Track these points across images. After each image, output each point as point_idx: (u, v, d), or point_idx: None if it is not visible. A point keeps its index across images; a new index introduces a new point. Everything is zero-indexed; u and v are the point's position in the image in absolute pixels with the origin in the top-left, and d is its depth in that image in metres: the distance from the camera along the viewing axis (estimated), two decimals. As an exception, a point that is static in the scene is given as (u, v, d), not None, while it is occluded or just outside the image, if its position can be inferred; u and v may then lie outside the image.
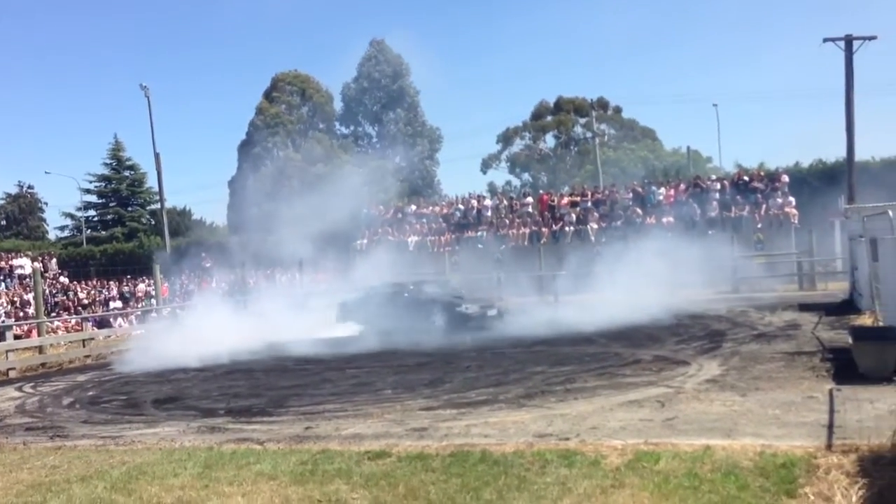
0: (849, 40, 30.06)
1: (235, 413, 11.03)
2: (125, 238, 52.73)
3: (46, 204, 69.84)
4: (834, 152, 35.17)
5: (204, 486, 7.13)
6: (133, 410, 12.08)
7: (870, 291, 15.34)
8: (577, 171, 55.86)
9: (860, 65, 31.14)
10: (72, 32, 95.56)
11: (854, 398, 8.53)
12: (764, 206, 29.27)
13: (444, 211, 36.10)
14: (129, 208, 59.28)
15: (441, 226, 34.85)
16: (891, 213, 11.55)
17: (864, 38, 30.05)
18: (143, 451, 8.84)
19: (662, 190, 32.40)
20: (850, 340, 10.60)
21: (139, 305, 31.34)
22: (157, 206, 50.24)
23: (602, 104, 59.15)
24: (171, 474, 7.57)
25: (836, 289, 22.56)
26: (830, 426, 7.43)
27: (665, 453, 6.91)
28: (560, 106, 62.00)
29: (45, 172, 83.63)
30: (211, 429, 9.94)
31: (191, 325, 20.80)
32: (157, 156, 43.43)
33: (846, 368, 10.14)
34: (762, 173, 32.26)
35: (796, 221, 28.21)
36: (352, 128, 63.48)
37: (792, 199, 29.16)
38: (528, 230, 32.46)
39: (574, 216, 32.48)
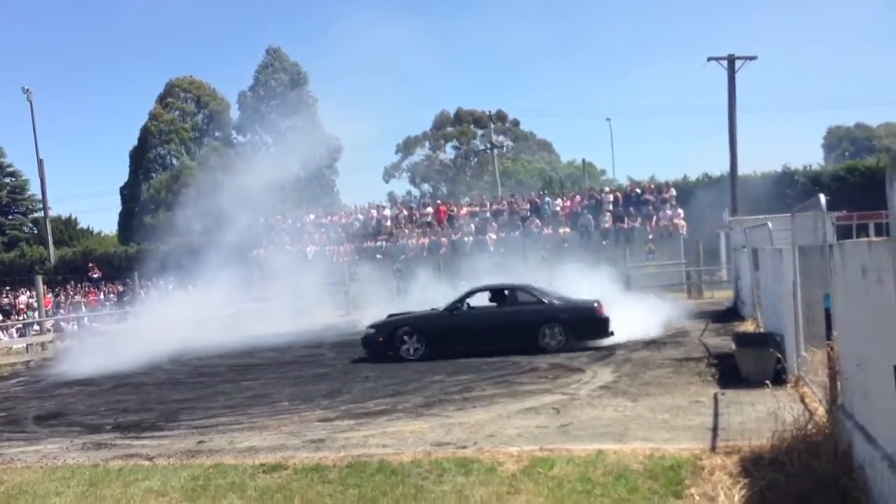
0: (731, 59, 31.51)
1: (123, 428, 10.59)
2: (5, 248, 50.15)
3: (-82, 211, 65.66)
4: (719, 166, 36.84)
5: (88, 505, 6.84)
6: (13, 427, 11.44)
7: (752, 299, 16.10)
8: (476, 181, 56.53)
9: (742, 83, 32.74)
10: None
11: (737, 401, 8.93)
12: (654, 218, 30.35)
13: (344, 220, 35.88)
14: (10, 216, 56.45)
15: (340, 235, 34.61)
16: (770, 224, 12.15)
17: (746, 58, 31.56)
18: (24, 469, 8.39)
19: (559, 201, 33.17)
20: (733, 346, 11.09)
21: (20, 318, 29.78)
22: (41, 213, 48.10)
23: (500, 116, 60.14)
24: (53, 493, 7.23)
25: (721, 297, 23.58)
26: (715, 429, 7.76)
27: (559, 459, 7.06)
28: (460, 117, 62.72)
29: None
30: (97, 445, 9.52)
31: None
32: (40, 162, 41.73)
33: (730, 373, 10.61)
34: (652, 186, 33.48)
35: (685, 232, 29.38)
36: (249, 136, 62.34)
37: (680, 210, 30.37)
38: (427, 240, 32.61)
39: (473, 226, 32.85)
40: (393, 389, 11.79)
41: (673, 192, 31.67)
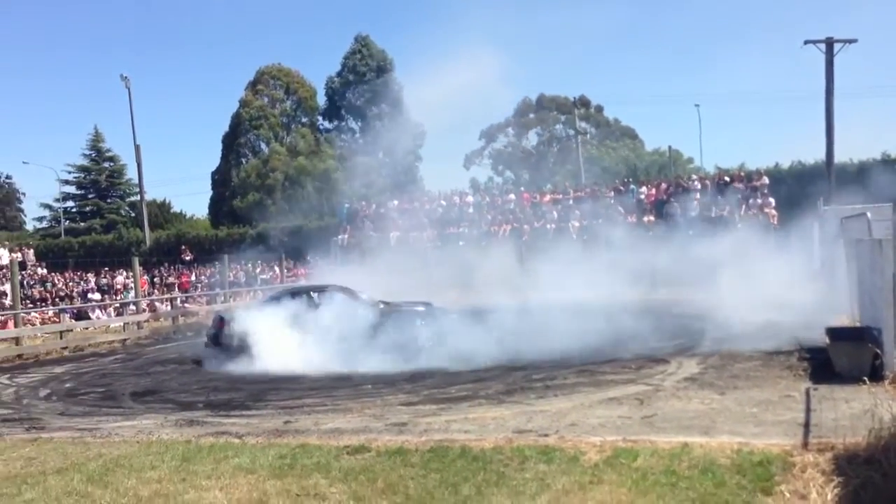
0: (829, 43, 30.33)
1: (214, 406, 10.97)
2: (104, 230, 52.29)
3: (24, 194, 69.28)
4: (812, 154, 35.56)
5: (181, 479, 7.09)
6: (111, 403, 11.98)
7: (847, 292, 15.50)
8: (559, 168, 56.02)
9: (840, 67, 31.47)
10: (53, 21, 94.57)
11: (830, 397, 8.62)
12: (744, 207, 29.48)
13: (427, 206, 36.06)
14: (108, 200, 58.81)
15: (423, 222, 34.80)
16: (869, 214, 11.66)
17: (845, 41, 30.34)
18: (120, 443, 8.77)
19: (644, 189, 32.58)
20: (827, 340, 10.71)
21: (117, 298, 31.05)
22: (137, 197, 49.94)
23: (584, 102, 59.37)
24: (148, 467, 7.52)
25: (814, 289, 22.73)
26: (807, 425, 7.51)
27: (643, 450, 6.96)
28: (543, 104, 62.15)
29: (23, 163, 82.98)
30: (189, 422, 9.88)
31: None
32: (137, 147, 43.19)
33: (823, 368, 10.25)
34: (742, 174, 32.52)
35: (776, 222, 28.44)
36: (335, 122, 63.19)
37: (772, 199, 29.40)
38: (509, 227, 32.50)
39: (556, 214, 32.58)
40: (475, 376, 11.83)
41: (765, 179, 30.65)
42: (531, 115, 63.63)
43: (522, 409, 9.17)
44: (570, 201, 33.22)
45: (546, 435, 7.83)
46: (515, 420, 8.62)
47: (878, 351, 9.29)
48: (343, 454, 7.58)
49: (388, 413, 9.50)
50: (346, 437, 8.35)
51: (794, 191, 29.51)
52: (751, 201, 29.59)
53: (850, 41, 30.28)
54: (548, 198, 34.17)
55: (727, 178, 31.64)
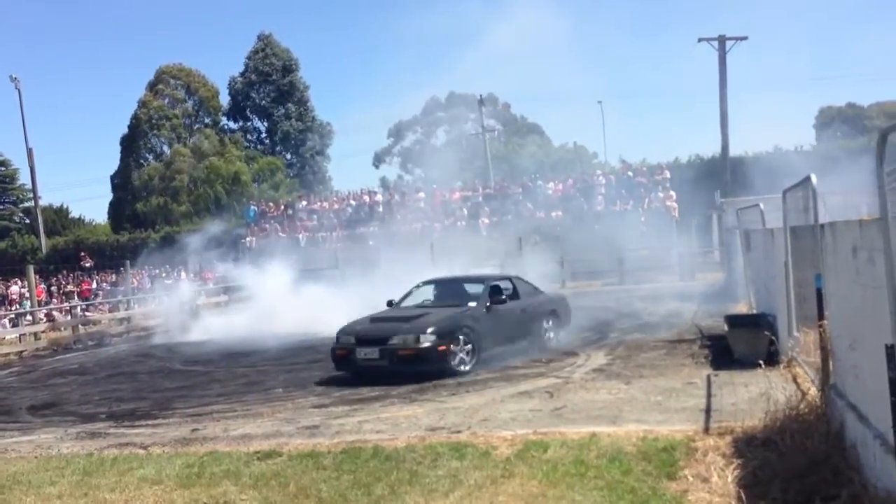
0: (722, 40, 31.55)
1: (118, 417, 10.60)
2: (-4, 237, 49.97)
3: None
4: (711, 148, 36.88)
5: (83, 493, 6.82)
6: (6, 417, 11.41)
7: (744, 280, 16.14)
8: (468, 166, 56.45)
9: (733, 64, 32.78)
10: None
11: (730, 383, 8.97)
12: (647, 200, 30.34)
13: (336, 206, 35.81)
14: (1, 206, 56.22)
15: (332, 222, 34.55)
16: (762, 206, 12.15)
17: (737, 38, 31.61)
18: (17, 459, 8.37)
19: (551, 185, 33.15)
20: (725, 328, 11.13)
21: (12, 308, 29.67)
22: (31, 203, 47.88)
23: (491, 100, 59.93)
24: (47, 483, 7.20)
25: (714, 279, 23.62)
26: (708, 410, 7.79)
27: (553, 442, 7.07)
28: (451, 101, 62.45)
29: None
30: (91, 434, 9.51)
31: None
32: (29, 151, 41.50)
33: (723, 355, 10.65)
34: (645, 168, 33.47)
35: (677, 214, 29.38)
36: (241, 122, 62.04)
37: (673, 192, 30.35)
38: (419, 225, 32.56)
39: (465, 211, 32.82)
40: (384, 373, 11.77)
41: (667, 174, 31.64)
42: (440, 113, 63.85)
43: (435, 407, 9.20)
44: (480, 198, 33.53)
45: (458, 431, 7.88)
46: (428, 418, 8.64)
47: (773, 337, 9.70)
48: (253, 460, 7.43)
49: (300, 416, 9.38)
50: (256, 442, 8.20)
51: (693, 184, 30.60)
52: (653, 195, 30.48)
53: (741, 38, 31.56)
54: (457, 195, 34.38)
55: (630, 173, 32.53)
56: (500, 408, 8.85)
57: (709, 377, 9.42)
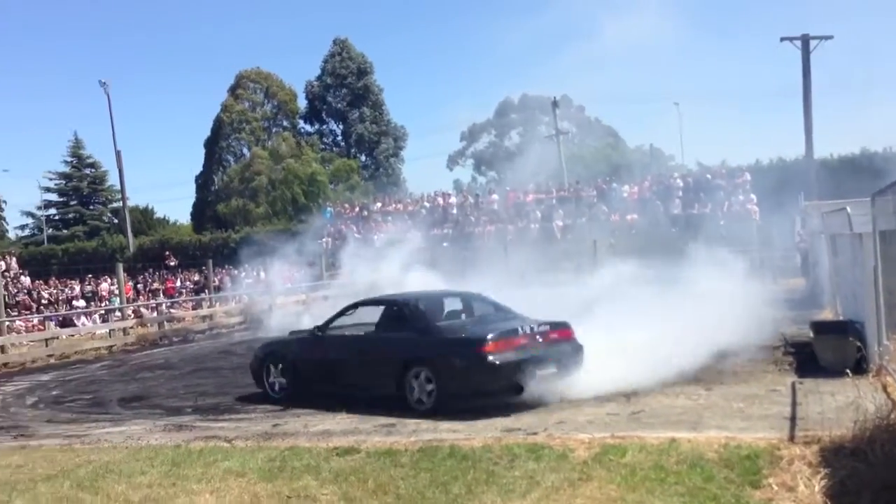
0: (805, 39, 30.65)
1: (202, 411, 10.94)
2: (87, 237, 51.95)
3: (5, 202, 68.23)
4: (794, 150, 35.80)
5: (171, 483, 7.08)
6: (99, 409, 11.91)
7: (830, 286, 15.66)
8: (541, 168, 56.19)
9: (817, 64, 31.82)
10: (30, 27, 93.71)
11: (815, 391, 8.72)
12: (726, 203, 29.68)
13: (410, 208, 36.09)
14: (91, 206, 58.41)
15: (407, 223, 34.83)
16: (849, 209, 11.78)
17: (821, 38, 30.67)
18: (109, 449, 8.72)
19: (626, 187, 32.74)
20: (811, 334, 10.82)
21: (102, 304, 30.83)
22: (119, 204, 49.63)
23: (566, 102, 59.54)
24: (138, 472, 7.50)
25: (795, 284, 22.94)
26: (793, 418, 7.59)
27: (632, 446, 7.01)
28: (525, 104, 62.29)
29: (3, 171, 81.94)
30: (178, 427, 9.84)
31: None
32: (118, 153, 43.04)
33: (808, 362, 10.36)
34: (724, 171, 32.74)
35: (757, 218, 28.65)
36: (316, 125, 63.16)
37: (753, 195, 29.61)
38: (493, 227, 32.55)
39: (539, 213, 32.68)
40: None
41: (747, 176, 30.86)
42: (513, 115, 63.77)
43: (511, 410, 9.19)
44: (554, 200, 33.35)
45: (535, 433, 7.87)
46: (504, 419, 8.65)
47: (861, 344, 9.40)
48: (333, 456, 7.58)
49: (377, 414, 9.49)
50: (335, 438, 8.35)
51: (775, 186, 29.79)
52: (733, 198, 29.80)
53: (826, 37, 30.61)
54: (531, 197, 34.26)
55: (709, 175, 31.87)
56: (576, 411, 8.80)
57: (793, 384, 9.18)
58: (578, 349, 9.82)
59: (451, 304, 10.91)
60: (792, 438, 6.86)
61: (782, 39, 30.98)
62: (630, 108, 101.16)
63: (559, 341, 9.79)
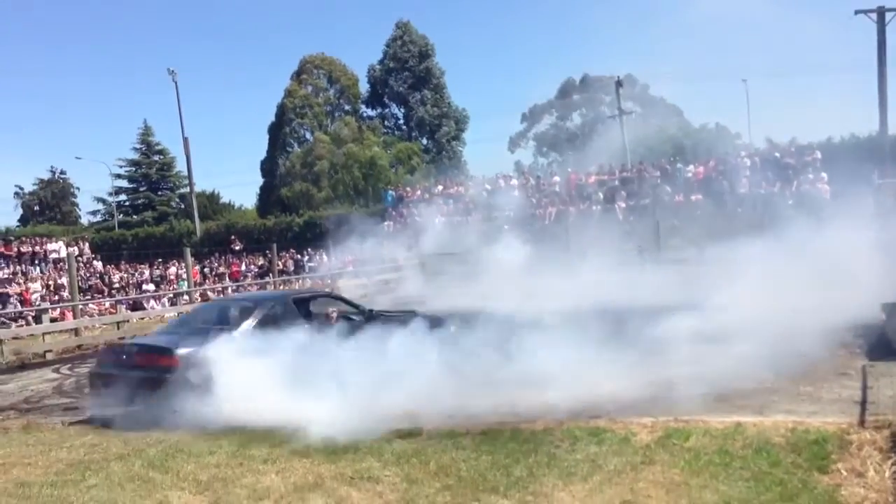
0: (881, 12, 29.52)
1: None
2: (155, 222, 53.30)
3: (78, 189, 70.56)
4: (867, 127, 34.56)
5: (239, 463, 7.26)
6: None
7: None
8: (604, 149, 55.48)
9: (893, 36, 30.62)
10: (100, 17, 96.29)
11: (887, 374, 8.45)
12: (795, 182, 28.85)
13: (472, 191, 36.03)
14: (160, 192, 59.87)
15: (468, 206, 34.79)
16: (925, 187, 11.36)
17: (897, 9, 29.52)
18: (178, 430, 8.97)
19: (691, 167, 32.09)
20: (882, 317, 10.49)
21: (171, 288, 31.69)
22: (187, 189, 50.73)
23: (629, 81, 58.57)
24: (206, 452, 7.70)
25: (868, 264, 22.20)
26: (863, 402, 7.38)
27: (695, 430, 6.92)
28: (586, 83, 61.54)
29: (77, 158, 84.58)
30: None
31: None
32: (185, 140, 43.85)
33: (879, 345, 10.06)
34: (793, 149, 31.80)
35: (829, 197, 27.77)
36: (378, 109, 63.51)
37: (824, 174, 28.69)
38: (555, 209, 32.29)
39: (601, 195, 32.28)
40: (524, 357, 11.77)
41: (818, 154, 29.90)
42: (575, 96, 63.05)
43: (572, 392, 9.14)
44: (616, 182, 32.90)
45: (597, 416, 7.82)
46: (565, 402, 8.60)
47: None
48: (395, 438, 7.66)
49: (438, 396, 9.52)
50: (395, 420, 8.43)
51: (847, 165, 28.86)
52: (802, 177, 28.95)
53: (903, 9, 29.44)
54: (593, 179, 33.86)
55: (777, 154, 31.00)
56: (640, 393, 8.68)
57: (864, 368, 8.90)
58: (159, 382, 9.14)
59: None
60: (862, 423, 6.68)
61: (857, 12, 29.91)
62: (696, 87, 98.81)
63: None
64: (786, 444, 6.34)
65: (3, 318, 24.76)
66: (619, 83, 47.13)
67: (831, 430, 6.56)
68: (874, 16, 29.62)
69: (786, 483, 5.56)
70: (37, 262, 36.63)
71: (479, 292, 18.02)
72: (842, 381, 8.51)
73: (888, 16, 29.45)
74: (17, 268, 34.92)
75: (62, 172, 69.98)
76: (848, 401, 7.56)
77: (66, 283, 29.51)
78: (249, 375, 8.69)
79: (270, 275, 29.04)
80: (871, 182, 26.65)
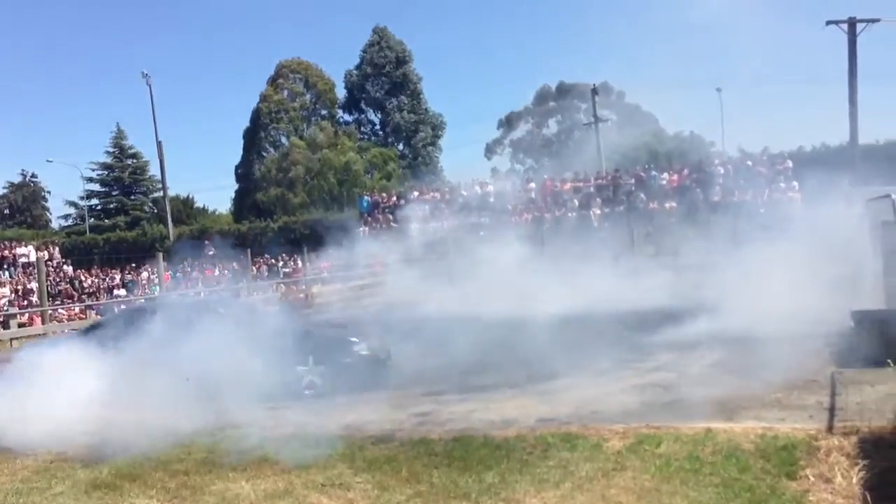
0: (852, 23, 29.99)
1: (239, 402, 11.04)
2: (128, 226, 52.79)
3: (49, 193, 69.82)
4: (838, 136, 35.10)
5: (208, 471, 7.18)
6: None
7: (872, 275, 15.31)
8: (579, 156, 55.78)
9: (863, 48, 31.10)
10: (72, 19, 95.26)
11: (856, 381, 8.52)
12: (767, 191, 29.19)
13: (448, 197, 36.05)
14: (132, 196, 59.34)
15: (444, 212, 34.80)
16: (893, 196, 11.51)
17: (867, 21, 29.98)
18: (147, 437, 8.86)
19: (665, 175, 32.37)
20: (852, 324, 10.61)
21: (143, 293, 31.38)
22: (160, 194, 50.33)
23: (605, 89, 58.97)
24: (175, 460, 7.62)
25: (837, 272, 22.45)
26: (832, 409, 7.44)
27: (666, 436, 6.95)
28: (562, 91, 61.88)
29: (48, 161, 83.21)
30: (213, 415, 9.94)
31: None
32: (159, 144, 43.50)
33: (848, 352, 10.14)
34: (765, 157, 32.18)
35: (800, 205, 28.10)
36: (355, 115, 63.44)
37: (795, 182, 29.06)
38: (530, 216, 32.41)
39: (577, 202, 32.45)
40: (496, 364, 11.79)
41: (789, 163, 30.30)
42: (551, 103, 63.37)
43: (545, 398, 9.17)
44: (592, 188, 33.10)
45: (569, 423, 7.83)
46: (538, 408, 8.62)
47: (903, 334, 9.18)
48: (367, 444, 7.63)
49: (411, 403, 9.53)
50: (368, 427, 8.40)
51: (818, 173, 29.21)
52: (774, 185, 29.31)
53: (873, 20, 29.92)
54: (568, 185, 34.03)
55: (750, 162, 31.36)
56: (611, 400, 8.74)
57: (833, 374, 8.98)
58: None
59: None
60: (830, 429, 6.74)
61: (828, 23, 30.36)
62: (670, 95, 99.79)
63: None
64: (755, 450, 6.39)
65: (-30, 323, 24.36)
66: (594, 91, 47.49)
67: (800, 436, 6.61)
68: (845, 27, 30.08)
69: (755, 489, 5.60)
70: (5, 266, 36.13)
71: (454, 296, 18.10)
72: (811, 387, 8.58)
73: (859, 27, 29.92)
74: (-14, 272, 34.43)
75: (33, 176, 69.19)
76: (817, 407, 7.63)
77: (34, 289, 29.10)
78: None
79: (244, 280, 28.87)
80: (845, 190, 26.97)
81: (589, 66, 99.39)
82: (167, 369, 9.37)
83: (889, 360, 8.41)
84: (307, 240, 29.87)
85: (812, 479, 5.66)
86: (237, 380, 9.22)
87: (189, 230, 45.02)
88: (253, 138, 59.39)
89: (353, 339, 11.29)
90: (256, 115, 59.26)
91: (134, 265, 37.29)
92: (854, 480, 5.51)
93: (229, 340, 9.74)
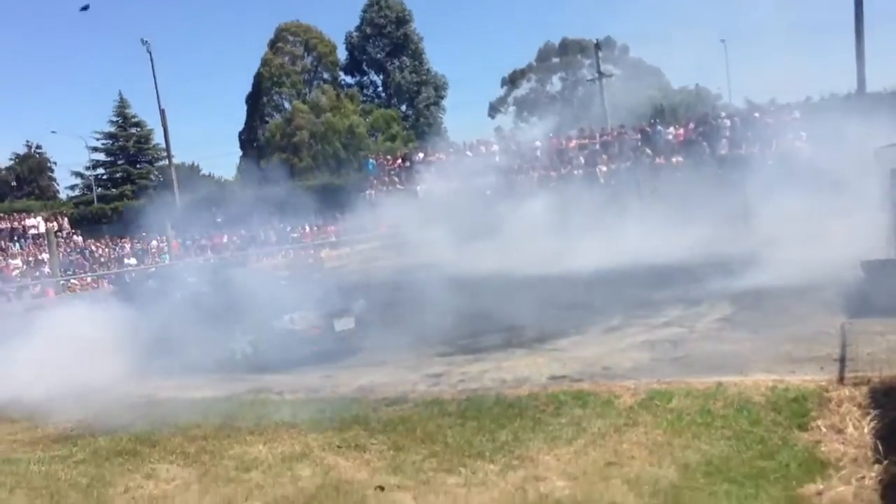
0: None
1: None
2: (135, 195, 52.78)
3: (55, 163, 69.64)
4: (847, 85, 34.61)
5: (226, 435, 7.28)
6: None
7: (885, 225, 15.22)
8: (584, 112, 55.32)
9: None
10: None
11: (866, 331, 8.53)
12: (775, 143, 28.92)
13: (453, 158, 35.85)
14: (138, 165, 59.14)
15: (450, 173, 34.63)
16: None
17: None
18: (164, 402, 8.99)
19: (672, 129, 32.08)
20: (862, 274, 10.59)
21: (153, 262, 31.51)
22: (165, 162, 50.18)
23: (608, 44, 58.26)
24: (193, 425, 7.72)
25: (848, 223, 22.34)
26: (842, 360, 7.46)
27: (678, 391, 6.99)
28: (566, 47, 61.19)
29: (52, 132, 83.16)
30: (229, 380, 10.07)
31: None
32: (162, 112, 43.00)
33: (858, 302, 10.14)
34: (772, 108, 31.83)
35: (808, 156, 27.86)
36: (357, 77, 62.94)
37: (803, 133, 28.76)
38: (536, 174, 32.25)
39: (583, 159, 32.23)
40: (507, 324, 11.86)
41: (796, 114, 29.95)
42: (554, 60, 62.70)
43: (556, 356, 9.23)
44: (597, 146, 32.86)
45: (580, 380, 7.89)
46: (549, 367, 8.68)
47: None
48: (381, 406, 7.71)
49: (424, 365, 9.60)
50: (382, 389, 8.48)
51: (827, 123, 28.92)
52: (781, 136, 29.02)
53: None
54: (574, 143, 33.79)
55: (756, 114, 31.04)
56: (622, 357, 8.79)
57: (843, 325, 8.99)
58: None
59: None
60: (841, 380, 6.76)
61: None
62: (675, 48, 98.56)
63: None
64: (766, 402, 6.42)
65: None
66: (597, 46, 46.96)
67: (811, 387, 6.64)
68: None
69: (766, 441, 5.65)
70: (16, 238, 36.25)
71: (464, 257, 18.15)
72: (822, 339, 8.59)
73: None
74: (-4, 244, 34.59)
75: (38, 147, 68.92)
76: (827, 358, 7.64)
77: (46, 259, 29.24)
78: None
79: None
80: (851, 140, 26.69)
81: (591, 20, 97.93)
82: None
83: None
84: (314, 204, 29.77)
85: (824, 429, 5.70)
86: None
87: (195, 198, 44.96)
88: (256, 104, 59.03)
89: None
90: (258, 81, 58.83)
91: (144, 234, 37.35)
92: (866, 430, 5.54)
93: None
